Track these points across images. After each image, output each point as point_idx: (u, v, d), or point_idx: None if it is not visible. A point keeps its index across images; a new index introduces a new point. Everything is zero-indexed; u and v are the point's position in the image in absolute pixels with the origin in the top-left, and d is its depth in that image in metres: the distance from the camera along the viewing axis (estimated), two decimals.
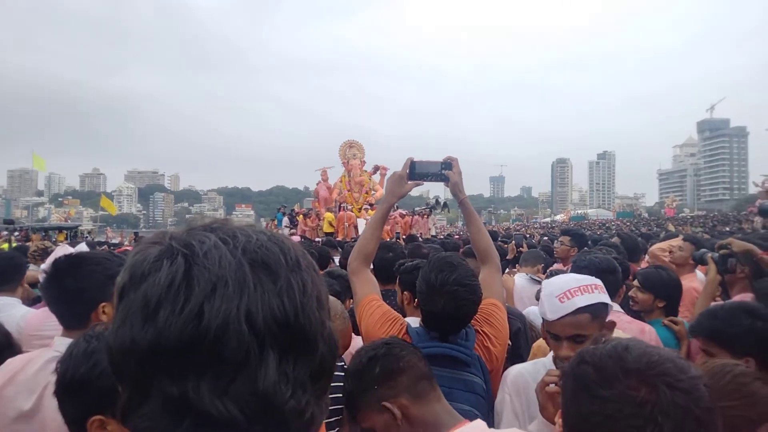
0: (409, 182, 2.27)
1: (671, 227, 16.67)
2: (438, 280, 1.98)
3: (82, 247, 3.67)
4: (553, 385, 1.52)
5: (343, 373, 1.70)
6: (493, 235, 12.34)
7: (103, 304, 1.88)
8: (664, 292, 3.02)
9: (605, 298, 1.76)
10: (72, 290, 1.89)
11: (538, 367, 1.93)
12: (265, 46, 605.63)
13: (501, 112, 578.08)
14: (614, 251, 4.08)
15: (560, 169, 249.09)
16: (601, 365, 0.99)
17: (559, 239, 5.24)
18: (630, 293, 3.10)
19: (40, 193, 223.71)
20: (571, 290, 1.75)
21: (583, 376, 1.00)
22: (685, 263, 4.18)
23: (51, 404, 1.67)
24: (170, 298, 0.53)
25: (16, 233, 21.54)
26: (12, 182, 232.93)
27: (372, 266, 3.60)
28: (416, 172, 2.27)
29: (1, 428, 1.69)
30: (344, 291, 2.90)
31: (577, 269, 2.78)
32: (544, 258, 4.97)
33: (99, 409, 1.17)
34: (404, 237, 14.39)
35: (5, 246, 11.28)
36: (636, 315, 3.01)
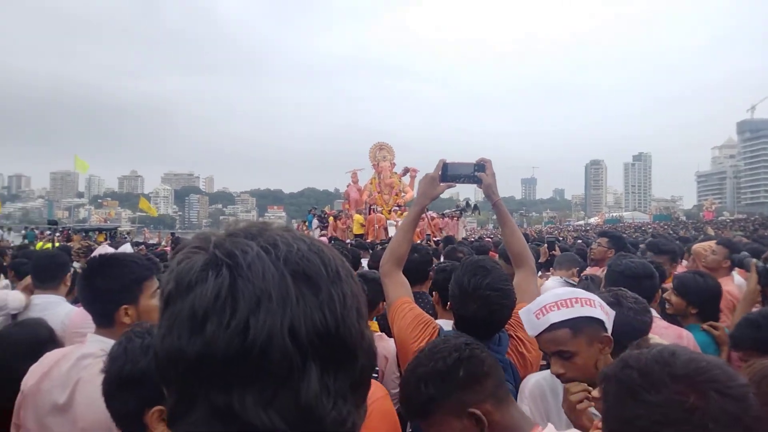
0: (441, 184, 2.25)
1: (710, 231, 16.17)
2: (471, 284, 1.96)
3: (127, 248, 3.79)
4: (586, 401, 1.49)
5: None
6: (525, 238, 12.14)
7: (126, 306, 1.91)
8: (698, 298, 2.93)
9: (591, 311, 1.67)
10: (100, 290, 1.93)
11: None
12: (293, 50, 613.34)
13: (532, 113, 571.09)
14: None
15: (594, 170, 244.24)
16: (647, 370, 0.98)
17: (597, 241, 5.14)
18: (665, 296, 3.03)
19: (80, 195, 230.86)
20: (547, 306, 1.69)
21: (628, 381, 0.99)
22: (719, 267, 4.09)
23: (83, 399, 1.74)
24: (217, 310, 0.54)
25: (58, 234, 22.33)
26: (54, 184, 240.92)
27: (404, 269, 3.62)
28: (448, 173, 2.25)
29: (40, 419, 1.75)
30: (376, 295, 2.92)
31: (613, 273, 2.73)
32: (579, 261, 4.88)
33: (157, 402, 1.18)
34: (438, 239, 14.36)
35: (48, 245, 11.69)
36: (673, 319, 2.94)
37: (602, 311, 1.70)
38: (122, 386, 1.35)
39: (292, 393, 0.54)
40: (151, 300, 1.96)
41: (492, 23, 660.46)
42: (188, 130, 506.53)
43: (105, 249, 3.21)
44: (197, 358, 0.54)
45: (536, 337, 1.74)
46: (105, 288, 1.93)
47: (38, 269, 3.39)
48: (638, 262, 2.78)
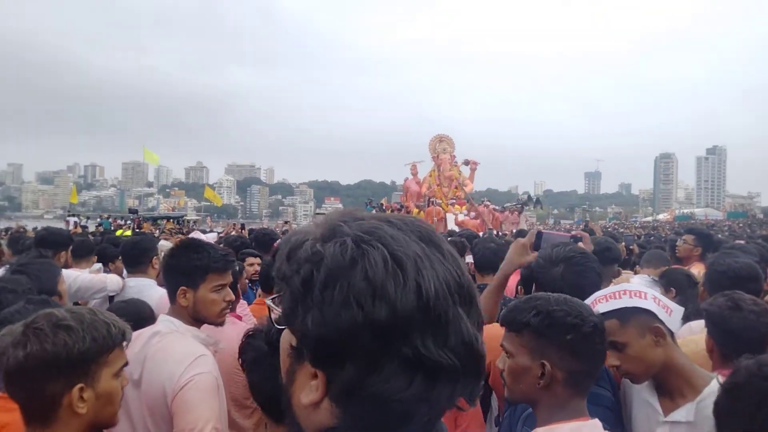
0: (532, 252, 2.19)
1: None
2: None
3: (212, 237, 4.00)
4: None
5: None
6: (590, 233, 11.80)
7: (184, 288, 2.03)
8: None
9: (640, 302, 1.68)
10: (170, 267, 2.10)
11: None
12: (354, 39, 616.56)
13: (596, 103, 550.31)
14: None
15: (664, 164, 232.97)
16: None
17: (683, 237, 4.92)
18: (767, 299, 2.86)
19: (150, 184, 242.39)
20: (597, 298, 1.73)
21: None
22: None
23: (147, 375, 1.88)
24: (390, 277, 0.63)
25: (129, 221, 23.62)
26: (125, 174, 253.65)
27: (473, 258, 3.61)
28: (542, 243, 2.20)
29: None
30: None
31: (714, 273, 2.60)
32: (667, 259, 4.68)
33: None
34: (502, 233, 14.13)
35: (128, 233, 12.38)
36: None
37: (655, 303, 1.70)
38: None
39: (458, 333, 0.65)
40: (211, 293, 2.05)
41: (558, 10, 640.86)
42: (249, 123, 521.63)
43: (197, 235, 3.39)
44: (387, 318, 0.62)
45: None
46: (173, 266, 2.08)
47: (127, 254, 3.62)
48: (743, 263, 2.64)
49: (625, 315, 1.69)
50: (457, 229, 14.78)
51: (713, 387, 1.57)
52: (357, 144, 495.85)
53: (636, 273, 4.66)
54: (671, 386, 1.72)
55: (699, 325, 2.46)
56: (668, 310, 1.72)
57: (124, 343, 1.42)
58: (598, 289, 2.00)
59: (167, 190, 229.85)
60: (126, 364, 1.44)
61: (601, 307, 1.70)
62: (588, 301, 1.75)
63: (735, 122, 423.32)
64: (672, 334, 1.74)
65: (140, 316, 2.47)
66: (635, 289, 1.74)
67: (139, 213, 31.08)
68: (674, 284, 3.31)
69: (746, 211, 73.68)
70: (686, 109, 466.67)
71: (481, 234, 12.28)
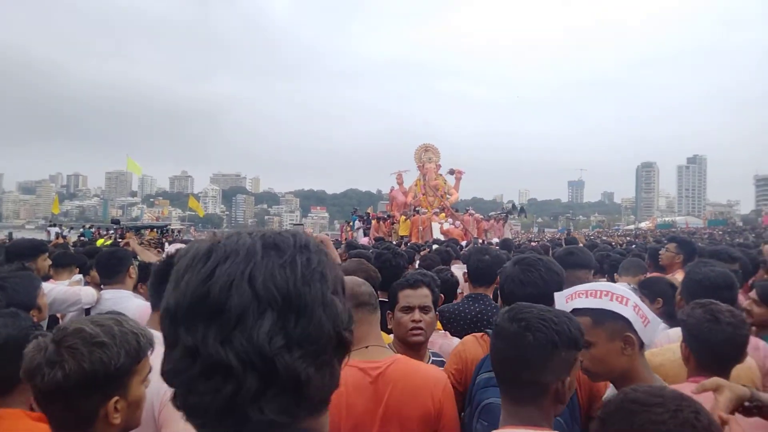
0: None
1: None
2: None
3: None
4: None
5: None
6: (572, 241, 11.88)
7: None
8: None
9: (619, 308, 1.68)
10: (163, 279, 2.06)
11: None
12: (340, 50, 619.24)
13: (579, 113, 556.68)
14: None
15: (645, 173, 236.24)
16: None
17: (666, 246, 4.99)
18: (745, 306, 2.91)
19: (134, 194, 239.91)
20: (578, 292, 1.75)
21: None
22: None
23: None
24: (192, 266, 0.67)
25: (112, 231, 23.36)
26: (109, 183, 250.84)
27: (467, 270, 3.60)
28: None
29: None
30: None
31: (690, 282, 2.63)
32: (645, 267, 4.70)
33: None
34: (487, 241, 14.19)
35: (109, 243, 12.21)
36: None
37: (634, 312, 1.69)
38: None
39: (246, 332, 0.62)
40: None
41: (539, 23, 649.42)
42: (235, 132, 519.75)
43: (177, 246, 3.35)
44: (175, 305, 0.65)
45: None
46: (164, 275, 2.09)
47: (102, 265, 3.56)
48: (718, 271, 2.68)
49: (601, 317, 1.70)
50: (442, 237, 14.81)
51: None
52: (343, 153, 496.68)
53: (616, 281, 4.68)
54: None
55: (676, 333, 2.48)
56: (646, 321, 1.71)
57: (149, 351, 1.45)
58: (544, 287, 2.07)
59: (151, 199, 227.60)
60: (151, 369, 1.45)
61: (578, 302, 1.71)
62: (568, 292, 1.78)
63: (715, 132, 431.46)
64: (643, 344, 1.74)
65: None
66: (619, 293, 1.73)
67: (121, 223, 30.68)
68: (661, 294, 3.23)
69: (726, 219, 74.83)
70: (668, 120, 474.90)
71: (464, 243, 12.34)
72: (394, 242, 12.31)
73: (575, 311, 1.69)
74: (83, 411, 1.32)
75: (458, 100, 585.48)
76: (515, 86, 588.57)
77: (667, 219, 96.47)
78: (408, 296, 2.42)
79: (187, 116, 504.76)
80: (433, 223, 19.72)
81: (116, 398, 1.34)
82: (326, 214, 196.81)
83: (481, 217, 22.81)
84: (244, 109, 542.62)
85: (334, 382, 0.70)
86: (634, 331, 1.70)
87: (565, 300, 1.77)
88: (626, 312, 1.69)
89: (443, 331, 2.93)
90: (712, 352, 1.90)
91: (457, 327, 3.02)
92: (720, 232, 39.78)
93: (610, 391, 1.92)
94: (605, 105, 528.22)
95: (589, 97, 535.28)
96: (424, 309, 2.40)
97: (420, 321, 2.36)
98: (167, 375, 0.66)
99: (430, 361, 2.43)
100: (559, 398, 1.41)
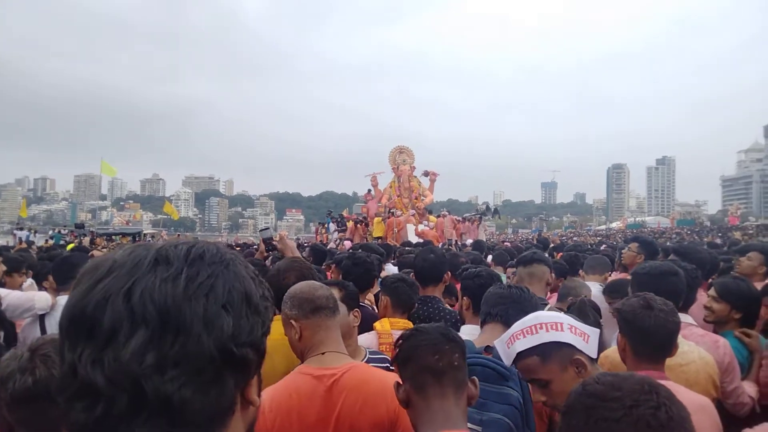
0: None
1: (738, 236, 15.82)
2: None
3: None
4: None
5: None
6: (544, 243, 12.06)
7: None
8: (742, 302, 2.89)
9: (558, 336, 1.66)
10: None
11: None
12: (313, 52, 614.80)
13: (553, 116, 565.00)
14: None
15: (616, 174, 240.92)
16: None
17: (628, 246, 5.07)
18: (705, 303, 2.97)
19: (103, 197, 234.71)
20: (515, 334, 1.71)
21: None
22: (754, 273, 4.07)
23: None
24: (80, 281, 0.65)
25: (84, 236, 22.81)
26: (78, 186, 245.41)
27: (413, 270, 3.60)
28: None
29: None
30: (412, 297, 2.90)
31: (637, 275, 2.71)
32: (610, 265, 4.76)
33: None
34: (461, 242, 14.26)
35: (72, 246, 11.91)
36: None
37: (572, 333, 1.67)
38: None
39: (116, 351, 0.58)
40: None
41: (515, 21, 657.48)
42: (208, 134, 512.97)
43: None
44: (61, 320, 0.64)
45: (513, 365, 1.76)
46: None
47: (57, 271, 3.47)
48: (662, 263, 2.83)
49: (546, 351, 1.66)
50: (416, 239, 14.82)
51: None
52: (319, 155, 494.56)
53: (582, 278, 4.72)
54: None
55: None
56: (585, 337, 1.70)
57: None
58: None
59: (122, 203, 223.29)
60: None
61: (519, 345, 1.68)
62: (506, 337, 1.74)
63: (684, 133, 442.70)
64: (592, 360, 1.72)
65: None
66: (550, 321, 1.70)
67: (85, 227, 29.92)
68: (626, 295, 3.34)
69: (694, 219, 76.76)
70: (637, 121, 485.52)
71: (440, 244, 12.39)
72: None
73: (519, 355, 1.68)
74: (52, 417, 1.33)
75: (432, 102, 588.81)
76: (490, 89, 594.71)
77: (637, 219, 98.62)
78: None
79: (159, 118, 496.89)
80: (408, 225, 19.74)
81: None
82: (302, 217, 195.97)
83: (457, 218, 22.92)
84: (216, 110, 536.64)
85: (226, 402, 0.65)
86: (580, 352, 1.67)
87: (506, 346, 1.73)
88: (565, 337, 1.67)
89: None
90: (646, 339, 1.95)
91: None
92: (688, 232, 40.82)
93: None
94: (577, 108, 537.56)
95: (561, 99, 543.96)
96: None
97: None
98: (55, 391, 0.63)
99: (366, 358, 2.39)
100: None
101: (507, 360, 1.73)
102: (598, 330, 1.77)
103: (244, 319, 0.66)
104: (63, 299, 3.28)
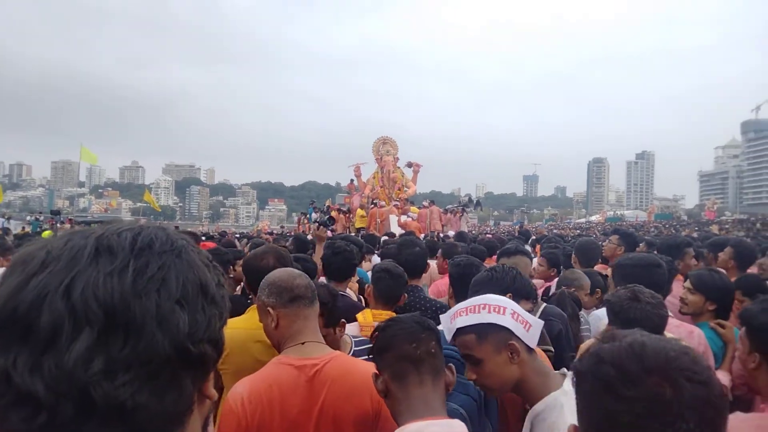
0: None
1: (716, 230, 16.14)
2: None
3: None
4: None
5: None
6: (526, 235, 12.16)
7: None
8: (716, 294, 2.94)
9: (497, 318, 1.68)
10: None
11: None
12: (296, 42, 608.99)
13: (535, 110, 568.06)
14: None
15: (596, 168, 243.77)
16: (620, 364, 1.00)
17: (608, 238, 5.18)
18: (680, 295, 3.03)
19: (81, 185, 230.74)
20: (459, 311, 1.74)
21: (604, 377, 1.01)
22: (727, 267, 4.13)
23: None
24: (8, 275, 0.57)
25: (61, 223, 22.40)
26: (55, 173, 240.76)
27: (398, 262, 3.64)
28: None
29: None
30: (399, 289, 2.93)
31: (620, 267, 2.76)
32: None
33: None
34: (444, 234, 14.31)
35: (48, 233, 11.71)
36: None
37: (513, 320, 1.69)
38: None
39: (57, 356, 0.52)
40: None
41: (498, 17, 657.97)
42: (190, 122, 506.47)
43: None
44: None
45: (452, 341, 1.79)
46: None
47: None
48: (644, 254, 2.88)
49: (483, 331, 1.68)
50: (399, 230, 14.82)
51: (546, 402, 1.63)
52: (303, 145, 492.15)
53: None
54: (525, 402, 1.75)
55: (602, 311, 2.63)
56: (527, 326, 1.71)
57: None
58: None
59: (100, 190, 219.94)
60: None
61: (460, 321, 1.71)
62: (451, 312, 1.78)
63: (663, 128, 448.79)
64: (530, 349, 1.73)
65: None
66: (495, 304, 1.72)
67: (62, 214, 29.38)
68: (597, 285, 3.66)
69: (671, 213, 78.11)
70: (618, 115, 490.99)
71: (422, 236, 12.41)
72: (353, 234, 12.25)
73: (459, 331, 1.71)
74: None
75: (419, 93, 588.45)
76: (473, 82, 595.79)
77: (617, 212, 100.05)
78: None
79: (140, 105, 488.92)
80: (390, 216, 19.76)
81: None
82: (284, 207, 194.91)
83: (441, 210, 23.00)
84: (197, 99, 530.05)
85: (184, 404, 0.60)
86: (518, 338, 1.69)
87: (450, 320, 1.76)
88: (505, 321, 1.68)
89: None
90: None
91: None
92: (666, 226, 41.51)
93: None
94: (559, 102, 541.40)
95: (543, 94, 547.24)
96: None
97: None
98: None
99: (352, 349, 2.40)
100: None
101: (448, 335, 1.76)
102: (542, 322, 1.79)
103: (201, 313, 0.60)
104: None
